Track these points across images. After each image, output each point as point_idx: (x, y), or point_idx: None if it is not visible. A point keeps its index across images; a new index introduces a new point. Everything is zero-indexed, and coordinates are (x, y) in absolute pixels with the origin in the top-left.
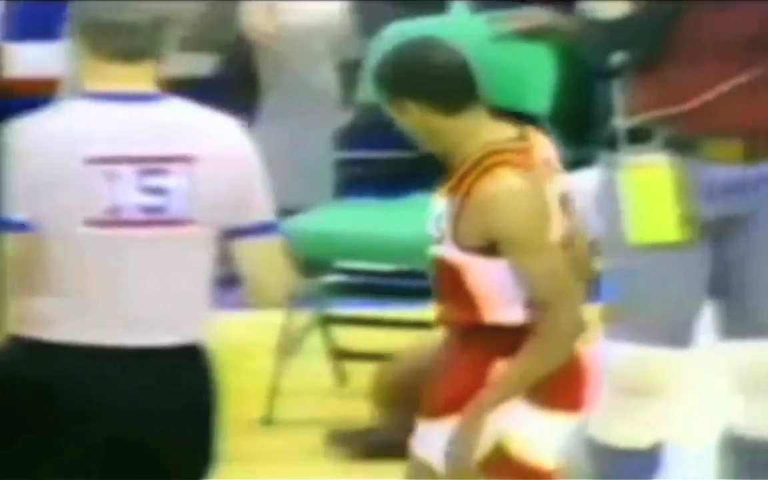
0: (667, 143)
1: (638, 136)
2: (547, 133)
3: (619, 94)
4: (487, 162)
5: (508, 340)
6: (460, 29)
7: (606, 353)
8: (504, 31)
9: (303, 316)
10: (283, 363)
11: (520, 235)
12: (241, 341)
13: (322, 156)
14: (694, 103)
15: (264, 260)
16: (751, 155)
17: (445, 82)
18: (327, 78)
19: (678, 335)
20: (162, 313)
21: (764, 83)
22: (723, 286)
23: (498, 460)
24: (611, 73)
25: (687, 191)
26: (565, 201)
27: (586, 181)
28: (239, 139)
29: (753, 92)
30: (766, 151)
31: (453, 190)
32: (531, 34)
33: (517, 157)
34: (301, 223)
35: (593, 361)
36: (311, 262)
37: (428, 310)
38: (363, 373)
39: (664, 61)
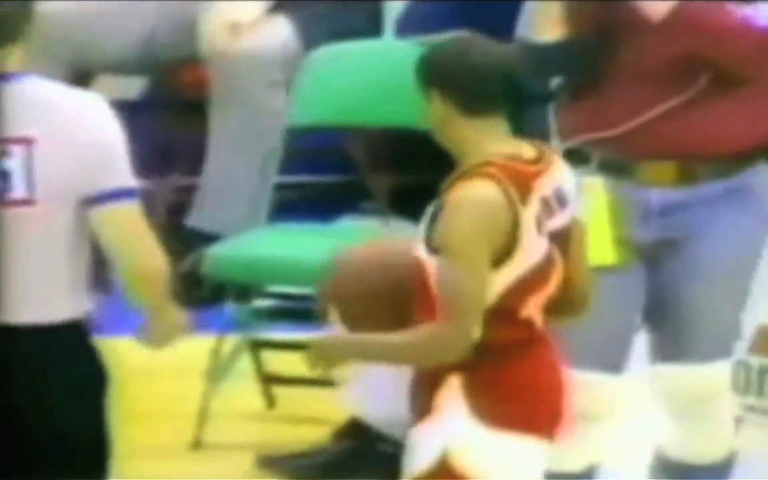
0: (601, 166)
1: (573, 160)
2: None
3: (552, 119)
4: (474, 170)
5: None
6: (388, 52)
7: None
8: None
9: (232, 340)
10: (213, 387)
11: (451, 238)
12: (170, 364)
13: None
14: (627, 126)
15: (121, 224)
16: (685, 177)
17: (471, 81)
18: (281, 102)
19: (612, 360)
20: (23, 291)
21: (696, 105)
22: (657, 310)
23: (441, 473)
24: (546, 98)
25: (622, 214)
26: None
27: None
28: (91, 118)
29: (686, 114)
30: (700, 173)
31: (441, 196)
32: None
33: (506, 172)
34: (229, 247)
35: (562, 386)
36: (240, 287)
37: None
38: (292, 397)
39: (599, 84)
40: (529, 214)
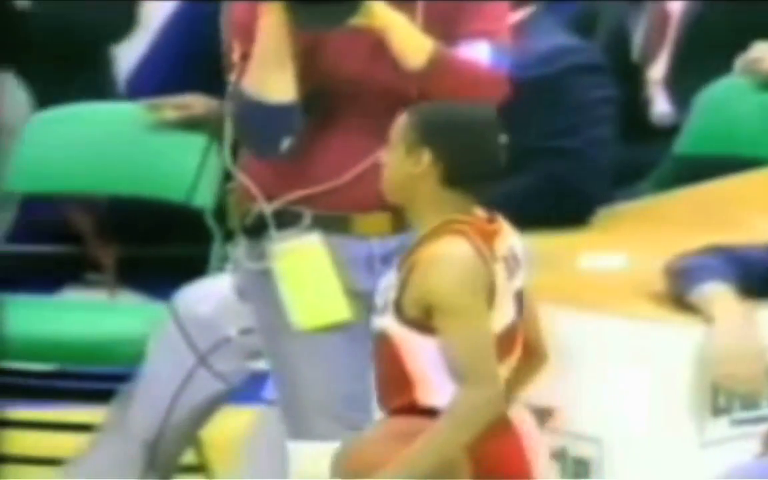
0: (316, 223)
1: (283, 220)
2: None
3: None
4: (442, 228)
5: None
6: (115, 116)
7: (288, 451)
8: (163, 118)
9: None
10: None
11: (449, 299)
12: None
13: None
14: (336, 181)
15: None
16: (399, 226)
17: (469, 159)
18: None
19: (354, 423)
20: None
21: None
22: None
23: None
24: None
25: (344, 269)
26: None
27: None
28: None
29: None
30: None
31: (404, 259)
32: (191, 123)
33: (475, 230)
34: None
35: (530, 462)
36: None
37: (89, 411)
38: (18, 476)
39: (305, 140)
40: (499, 269)
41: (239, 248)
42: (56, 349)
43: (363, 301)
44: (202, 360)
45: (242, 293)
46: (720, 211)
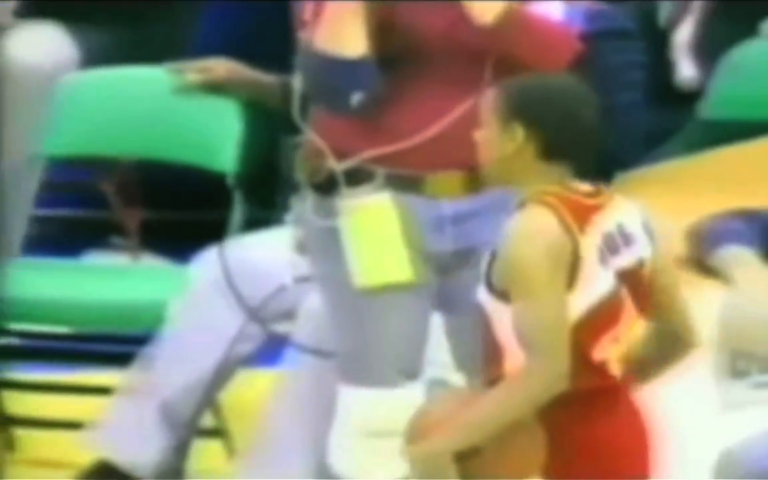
0: (388, 182)
1: (356, 178)
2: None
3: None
4: (531, 199)
5: None
6: (144, 80)
7: (345, 397)
8: (186, 83)
9: None
10: None
11: (523, 270)
12: None
13: None
14: (411, 140)
15: None
16: (472, 186)
17: (565, 131)
18: None
19: (414, 372)
20: None
21: (476, 114)
22: (454, 321)
23: None
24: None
25: (414, 228)
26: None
27: (276, 242)
28: None
29: (470, 122)
30: (484, 181)
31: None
32: (213, 87)
33: (562, 200)
34: None
35: (643, 446)
36: None
37: (107, 375)
38: (34, 441)
39: (383, 98)
40: (589, 244)
41: (306, 203)
42: (77, 313)
43: (431, 261)
44: (254, 314)
45: (304, 248)
46: (744, 176)
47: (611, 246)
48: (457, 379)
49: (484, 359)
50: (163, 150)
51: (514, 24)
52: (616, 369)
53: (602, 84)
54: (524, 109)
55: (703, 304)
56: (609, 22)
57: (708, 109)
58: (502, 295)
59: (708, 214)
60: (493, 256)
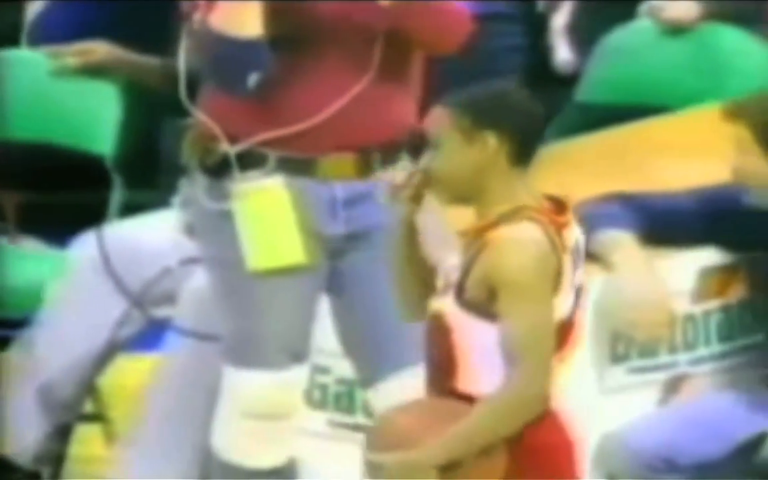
0: (280, 165)
1: (247, 162)
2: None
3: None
4: (517, 213)
5: None
6: (20, 62)
7: (230, 379)
8: (64, 66)
9: None
10: None
11: (520, 280)
12: None
13: None
14: (304, 123)
15: None
16: (364, 168)
17: (531, 131)
18: None
19: (301, 354)
20: None
21: (368, 94)
22: (342, 305)
23: None
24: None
25: (306, 212)
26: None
27: (160, 224)
28: None
29: (359, 105)
30: (375, 162)
31: (471, 241)
32: (92, 70)
33: (547, 219)
34: None
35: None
36: None
37: None
38: None
39: (277, 81)
40: (567, 261)
41: (196, 186)
42: None
43: (323, 243)
44: (134, 298)
45: (193, 230)
46: (622, 159)
47: (574, 263)
48: (343, 366)
49: (431, 369)
50: (41, 132)
51: (411, 4)
52: (556, 390)
53: (484, 67)
54: (495, 116)
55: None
56: (492, 5)
57: (584, 93)
58: (476, 307)
59: (586, 198)
60: (468, 265)
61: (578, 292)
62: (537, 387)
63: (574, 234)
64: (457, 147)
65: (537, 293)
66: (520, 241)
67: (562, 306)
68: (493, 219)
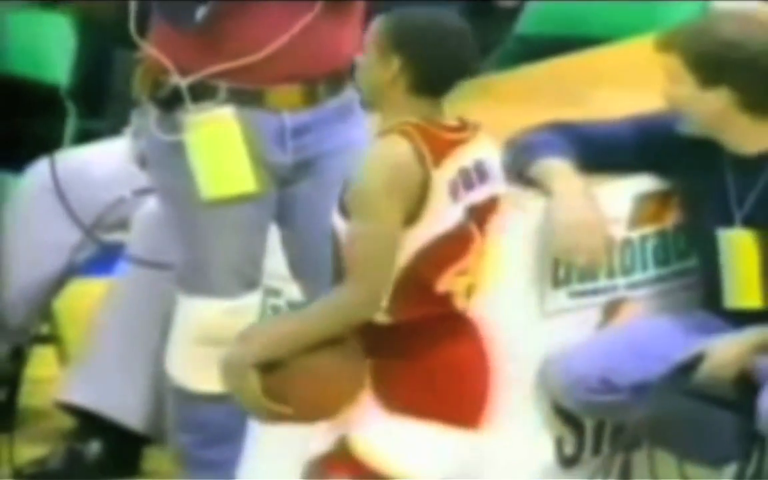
0: (230, 96)
1: (199, 93)
2: (65, 104)
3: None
4: (392, 129)
5: (376, 336)
6: None
7: (183, 306)
8: None
9: None
10: None
11: (360, 195)
12: None
13: None
14: (253, 55)
15: None
16: (310, 99)
17: (439, 57)
18: None
19: (252, 281)
20: None
21: (315, 26)
22: (290, 231)
23: (341, 456)
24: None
25: (256, 141)
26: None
27: (113, 153)
28: None
29: (306, 36)
30: (321, 93)
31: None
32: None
33: (420, 131)
34: None
35: (484, 371)
36: None
37: None
38: None
39: (225, 14)
40: (441, 177)
41: (148, 118)
42: None
43: (273, 172)
44: (85, 226)
45: (145, 161)
46: (560, 88)
47: (466, 181)
48: (293, 289)
49: (333, 282)
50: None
51: None
52: (462, 300)
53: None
54: (402, 42)
55: (523, 214)
56: None
57: (524, 25)
58: (348, 215)
59: (525, 127)
60: (348, 181)
61: (477, 210)
62: (364, 293)
63: (476, 153)
64: (373, 62)
65: (377, 209)
66: (375, 154)
67: (438, 220)
68: (378, 133)
